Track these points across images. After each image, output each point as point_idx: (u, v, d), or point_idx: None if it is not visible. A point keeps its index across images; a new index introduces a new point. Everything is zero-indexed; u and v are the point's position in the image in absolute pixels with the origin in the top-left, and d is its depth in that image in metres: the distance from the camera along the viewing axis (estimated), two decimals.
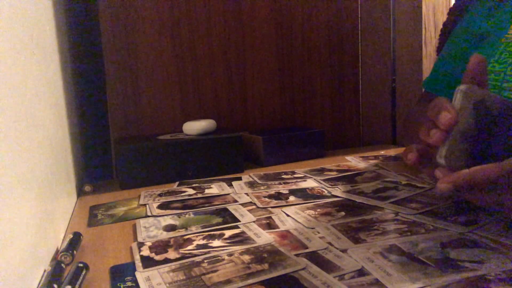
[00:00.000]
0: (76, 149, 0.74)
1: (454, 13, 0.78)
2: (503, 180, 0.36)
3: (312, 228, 0.46)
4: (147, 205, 0.58)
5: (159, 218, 0.52)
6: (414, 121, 0.70)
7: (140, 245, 0.44)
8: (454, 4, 0.82)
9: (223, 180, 0.70)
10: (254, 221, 0.49)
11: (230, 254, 0.40)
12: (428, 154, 0.43)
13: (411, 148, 0.43)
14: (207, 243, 0.43)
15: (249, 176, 0.72)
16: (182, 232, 0.47)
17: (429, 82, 0.75)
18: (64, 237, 0.50)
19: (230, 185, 0.66)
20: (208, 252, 0.41)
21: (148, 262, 0.39)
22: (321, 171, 0.73)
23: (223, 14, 0.87)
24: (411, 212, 0.49)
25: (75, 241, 0.44)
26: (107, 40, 0.79)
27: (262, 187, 0.64)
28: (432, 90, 0.74)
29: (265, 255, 0.39)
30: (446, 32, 0.80)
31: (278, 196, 0.59)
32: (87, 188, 0.69)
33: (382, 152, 0.89)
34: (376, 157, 0.83)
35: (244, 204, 0.56)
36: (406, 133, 0.78)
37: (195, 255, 0.40)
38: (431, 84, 0.74)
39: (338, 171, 0.73)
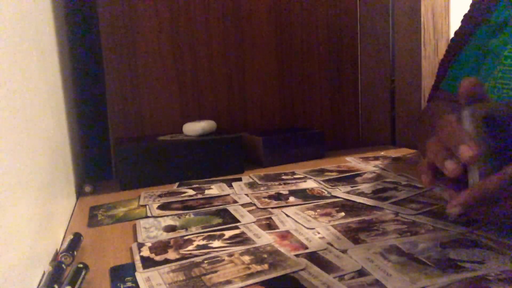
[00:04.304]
0: (76, 149, 0.74)
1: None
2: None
3: (312, 229, 0.46)
4: (147, 206, 0.58)
5: (159, 219, 0.52)
6: (428, 124, 0.69)
7: (140, 245, 0.44)
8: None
9: (223, 180, 0.70)
10: (254, 222, 0.49)
11: (230, 255, 0.40)
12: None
13: (424, 169, 0.41)
14: (207, 244, 0.43)
15: (249, 176, 0.72)
16: (182, 232, 0.47)
17: (448, 84, 0.74)
18: (64, 237, 0.50)
19: (230, 186, 0.66)
20: (208, 253, 0.41)
21: (148, 263, 0.39)
22: (321, 171, 0.73)
23: (223, 15, 0.87)
24: (411, 213, 0.49)
25: (75, 242, 0.44)
26: (106, 40, 0.79)
27: (262, 188, 0.64)
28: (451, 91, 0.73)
29: (265, 255, 0.39)
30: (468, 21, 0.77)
31: (278, 196, 0.59)
32: (87, 188, 0.69)
33: (382, 153, 0.89)
34: (376, 158, 0.83)
35: (244, 205, 0.56)
36: (419, 136, 0.76)
37: (195, 256, 0.40)
38: (451, 86, 0.74)
39: (338, 171, 0.73)
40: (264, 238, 0.44)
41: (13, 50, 0.37)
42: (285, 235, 0.45)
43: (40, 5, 0.55)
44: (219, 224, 0.49)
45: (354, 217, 0.49)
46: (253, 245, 0.42)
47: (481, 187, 0.36)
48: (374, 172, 0.71)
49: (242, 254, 0.40)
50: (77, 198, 0.67)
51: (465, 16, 0.76)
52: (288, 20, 0.92)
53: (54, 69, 0.60)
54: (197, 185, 0.67)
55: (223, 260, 0.39)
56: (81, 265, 0.37)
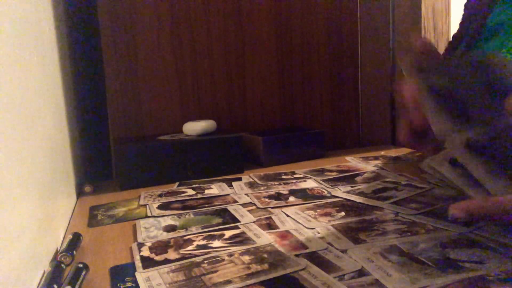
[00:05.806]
0: (76, 149, 0.74)
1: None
2: None
3: (312, 229, 0.46)
4: (147, 206, 0.58)
5: (159, 219, 0.52)
6: None
7: (140, 245, 0.44)
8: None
9: (223, 180, 0.70)
10: (254, 222, 0.49)
11: (230, 255, 0.40)
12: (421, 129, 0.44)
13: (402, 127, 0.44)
14: (207, 244, 0.43)
15: (249, 176, 0.72)
16: (182, 232, 0.47)
17: None
18: (64, 237, 0.50)
19: (230, 186, 0.66)
20: (208, 253, 0.41)
21: (148, 263, 0.39)
22: (321, 171, 0.73)
23: (223, 15, 0.87)
24: (411, 213, 0.49)
25: (75, 242, 0.44)
26: (106, 40, 0.79)
27: (262, 188, 0.64)
28: None
29: (265, 255, 0.39)
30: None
31: (278, 196, 0.59)
32: (87, 188, 0.69)
33: (382, 153, 0.89)
34: (376, 158, 0.83)
35: (244, 205, 0.56)
36: None
37: (195, 256, 0.40)
38: None
39: (338, 171, 0.73)
40: (264, 238, 0.44)
41: (14, 50, 0.37)
42: (285, 235, 0.45)
43: (40, 5, 0.55)
44: (219, 224, 0.49)
45: (354, 217, 0.49)
46: (253, 245, 0.42)
47: (489, 204, 0.36)
48: (374, 172, 0.71)
49: (242, 254, 0.40)
50: (77, 198, 0.67)
51: (462, 19, 0.76)
52: (288, 20, 0.92)
53: (54, 69, 0.60)
54: (197, 185, 0.67)
55: (223, 260, 0.39)
56: (81, 265, 0.37)
